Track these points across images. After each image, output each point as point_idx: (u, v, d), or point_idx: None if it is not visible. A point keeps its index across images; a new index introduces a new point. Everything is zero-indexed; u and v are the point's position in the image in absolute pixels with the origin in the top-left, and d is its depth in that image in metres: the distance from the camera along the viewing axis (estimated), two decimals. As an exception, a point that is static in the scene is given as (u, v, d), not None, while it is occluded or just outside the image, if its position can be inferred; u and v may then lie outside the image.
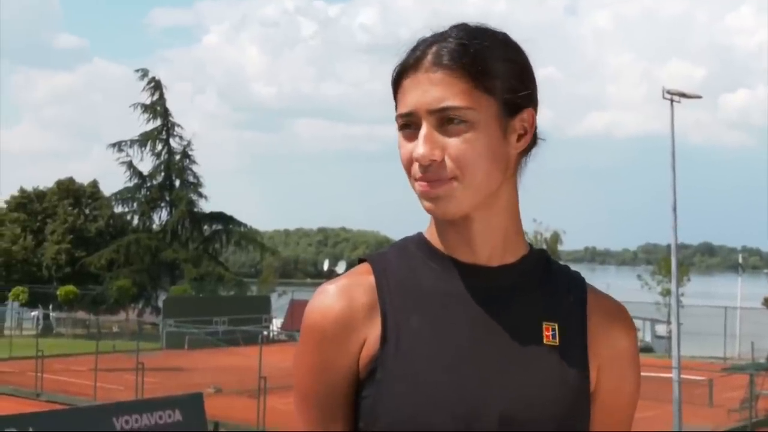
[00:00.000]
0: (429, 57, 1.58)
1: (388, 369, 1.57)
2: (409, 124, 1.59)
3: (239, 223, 62.32)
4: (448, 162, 1.55)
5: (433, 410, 1.54)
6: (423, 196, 1.59)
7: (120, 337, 41.20)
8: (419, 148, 1.55)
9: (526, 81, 1.64)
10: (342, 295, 1.64)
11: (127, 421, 20.41)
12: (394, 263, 1.68)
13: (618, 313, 1.74)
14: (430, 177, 1.56)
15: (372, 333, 1.61)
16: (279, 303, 57.17)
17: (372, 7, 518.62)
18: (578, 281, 1.74)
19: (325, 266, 67.08)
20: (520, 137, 1.63)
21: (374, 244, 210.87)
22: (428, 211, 1.61)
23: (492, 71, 1.58)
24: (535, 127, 1.66)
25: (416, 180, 1.59)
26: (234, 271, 68.63)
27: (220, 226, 61.52)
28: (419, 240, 1.70)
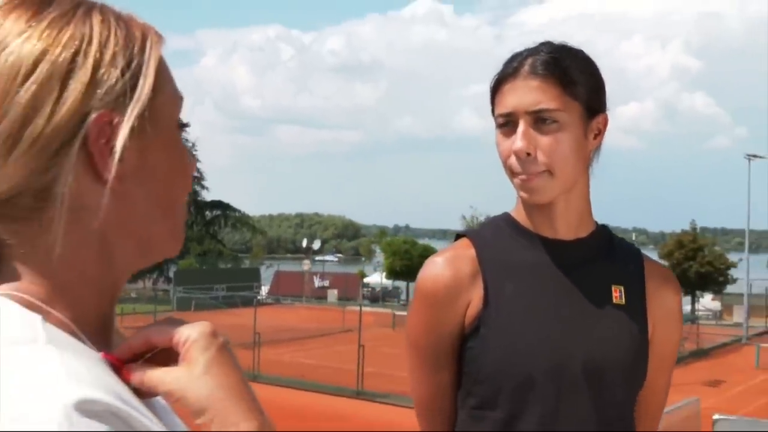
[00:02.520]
0: (526, 67, 1.56)
1: (490, 326, 1.57)
2: (507, 123, 1.57)
3: (234, 209, 62.05)
4: (541, 156, 1.53)
5: (529, 360, 1.55)
6: (521, 187, 1.57)
7: (139, 302, 40.83)
8: (518, 142, 1.53)
9: (601, 90, 1.63)
10: (450, 265, 1.63)
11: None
12: (489, 239, 1.66)
13: (669, 278, 1.74)
14: (527, 170, 1.54)
15: (475, 296, 1.60)
16: (266, 273, 57.17)
17: (339, 36, 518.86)
18: (635, 252, 1.74)
19: (304, 244, 67.01)
20: (595, 136, 1.62)
21: (341, 226, 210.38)
22: (524, 199, 1.61)
23: (578, 81, 1.56)
24: None
25: (514, 174, 1.57)
26: (230, 247, 68.31)
27: (219, 212, 61.16)
28: (507, 219, 1.68)
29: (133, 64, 0.77)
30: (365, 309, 28.51)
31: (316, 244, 70.33)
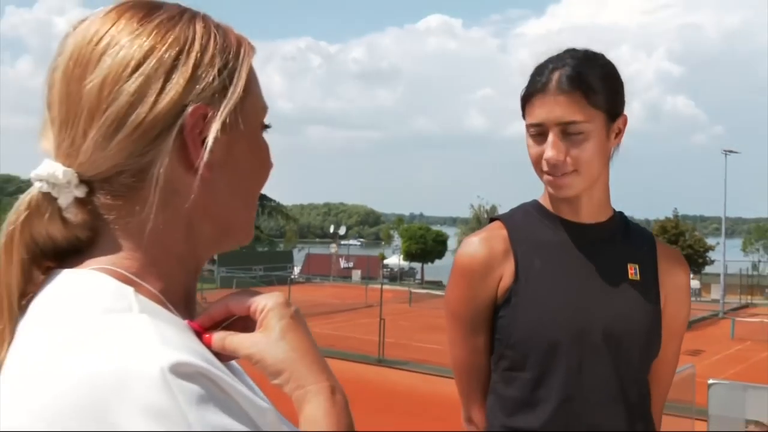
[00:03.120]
0: (553, 83, 1.52)
1: (521, 297, 1.56)
2: (538, 132, 1.55)
3: (270, 200, 61.89)
4: (569, 160, 1.52)
5: (554, 327, 1.53)
6: (550, 185, 1.56)
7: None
8: (549, 151, 1.52)
9: (621, 93, 1.60)
10: (484, 245, 1.63)
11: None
12: (519, 221, 1.65)
13: (678, 258, 1.72)
14: (556, 172, 1.54)
15: (507, 271, 1.59)
16: (298, 256, 57.32)
17: (361, 47, 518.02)
18: (648, 235, 1.72)
19: (331, 230, 67.08)
20: (616, 135, 1.59)
21: (363, 214, 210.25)
22: (553, 194, 1.60)
23: (599, 91, 1.54)
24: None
25: (545, 173, 1.56)
26: (266, 233, 68.37)
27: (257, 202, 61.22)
28: (535, 205, 1.67)
29: (229, 67, 0.77)
30: (385, 287, 28.51)
31: (342, 230, 70.43)
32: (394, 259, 59.64)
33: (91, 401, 0.60)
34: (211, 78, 0.75)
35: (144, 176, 0.73)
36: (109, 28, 0.74)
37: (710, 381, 3.21)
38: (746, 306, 40.06)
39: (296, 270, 50.54)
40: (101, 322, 0.66)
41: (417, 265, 55.88)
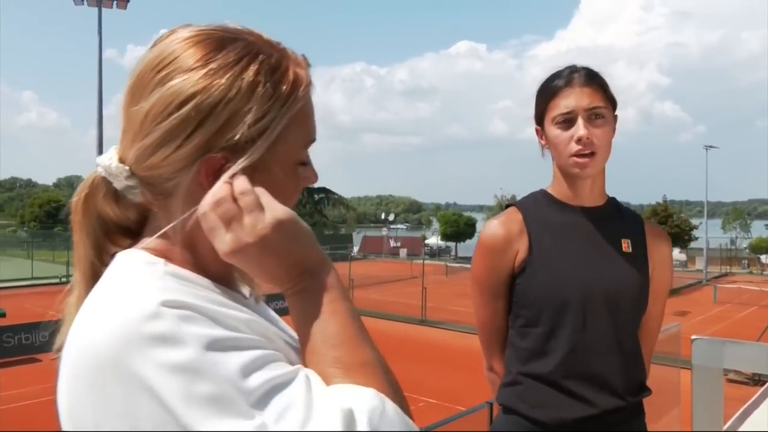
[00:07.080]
0: (577, 78, 1.53)
1: (535, 267, 1.55)
2: (566, 120, 1.53)
3: (334, 193, 61.45)
4: (595, 140, 1.51)
5: (562, 291, 1.52)
6: (577, 166, 1.53)
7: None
8: (581, 130, 1.51)
9: (614, 97, 1.59)
10: (503, 225, 1.61)
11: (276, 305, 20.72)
12: (531, 206, 1.63)
13: (662, 234, 1.69)
14: (584, 150, 1.51)
15: (522, 247, 1.58)
16: (357, 238, 57.33)
17: (405, 69, 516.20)
18: (637, 216, 1.68)
19: (382, 216, 67.05)
20: (613, 129, 1.58)
21: (408, 204, 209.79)
22: (577, 174, 1.55)
23: (608, 89, 1.55)
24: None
25: (571, 156, 1.53)
26: (331, 219, 68.45)
27: (323, 195, 61.06)
28: (544, 193, 1.65)
29: (265, 119, 0.68)
30: (426, 262, 28.54)
31: (391, 217, 70.47)
32: (434, 240, 59.46)
33: (107, 355, 0.60)
34: (238, 134, 0.67)
35: (172, 191, 0.70)
36: (174, 59, 0.69)
37: (693, 337, 3.11)
38: (726, 275, 39.28)
39: (355, 249, 50.73)
40: (119, 288, 0.65)
41: (452, 244, 55.63)
